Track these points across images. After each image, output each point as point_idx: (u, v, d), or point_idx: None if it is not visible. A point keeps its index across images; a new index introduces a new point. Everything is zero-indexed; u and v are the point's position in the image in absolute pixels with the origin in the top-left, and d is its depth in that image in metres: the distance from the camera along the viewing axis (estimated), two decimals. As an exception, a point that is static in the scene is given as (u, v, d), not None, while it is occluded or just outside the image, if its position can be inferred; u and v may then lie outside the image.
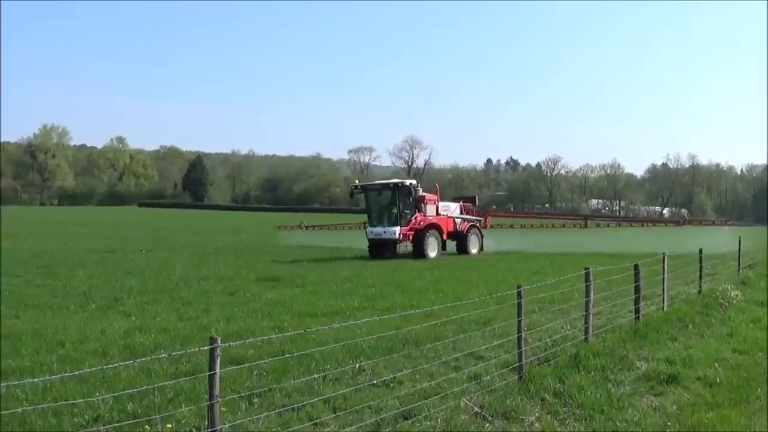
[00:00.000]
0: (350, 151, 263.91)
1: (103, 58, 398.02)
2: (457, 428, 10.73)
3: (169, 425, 10.48)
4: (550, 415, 11.68)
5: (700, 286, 25.97)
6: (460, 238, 50.55)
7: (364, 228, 52.99)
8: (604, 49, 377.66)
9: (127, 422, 10.72)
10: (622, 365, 15.03)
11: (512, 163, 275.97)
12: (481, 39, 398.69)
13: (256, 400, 12.01)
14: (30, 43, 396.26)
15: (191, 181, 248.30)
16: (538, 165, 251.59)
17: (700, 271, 26.50)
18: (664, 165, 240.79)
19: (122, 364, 13.16)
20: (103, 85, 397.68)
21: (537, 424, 11.08)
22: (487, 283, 28.10)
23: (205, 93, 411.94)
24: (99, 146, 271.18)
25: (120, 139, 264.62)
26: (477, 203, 58.40)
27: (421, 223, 47.08)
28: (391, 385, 13.02)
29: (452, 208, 51.89)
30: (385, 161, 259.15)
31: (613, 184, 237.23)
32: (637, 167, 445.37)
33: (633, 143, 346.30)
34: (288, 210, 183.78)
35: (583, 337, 16.66)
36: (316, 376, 13.39)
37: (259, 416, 11.05)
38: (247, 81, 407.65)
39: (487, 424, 11.05)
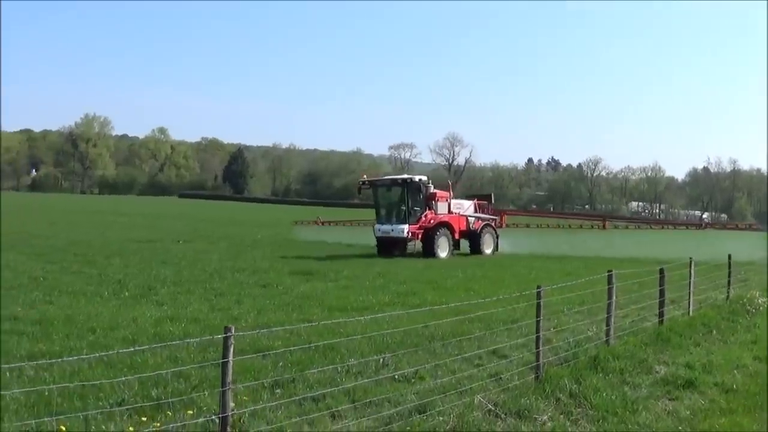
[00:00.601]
0: (391, 147, 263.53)
1: (148, 50, 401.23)
2: (469, 425, 10.92)
3: (190, 411, 10.80)
4: (563, 415, 11.84)
5: (728, 292, 25.88)
6: (473, 237, 47.98)
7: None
8: (647, 50, 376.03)
9: (149, 406, 11.07)
10: (641, 368, 15.09)
11: (553, 163, 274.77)
12: (523, 37, 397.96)
13: (278, 390, 12.29)
14: (75, 34, 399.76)
15: (232, 174, 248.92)
16: (579, 165, 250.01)
17: (729, 276, 26.44)
18: (705, 169, 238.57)
19: (144, 348, 13.45)
20: (146, 78, 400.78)
21: (549, 424, 11.22)
22: (518, 283, 27.87)
23: (247, 87, 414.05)
24: (141, 136, 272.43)
25: (162, 130, 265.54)
26: (493, 201, 55.62)
27: (432, 221, 44.70)
28: (412, 380, 13.26)
29: (466, 206, 49.28)
30: (426, 158, 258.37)
31: (653, 187, 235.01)
32: (678, 171, 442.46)
33: (674, 146, 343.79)
34: (327, 204, 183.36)
35: (604, 339, 16.75)
36: (339, 368, 13.68)
37: (277, 404, 11.38)
38: (289, 75, 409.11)
39: (499, 422, 11.22)
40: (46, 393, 11.42)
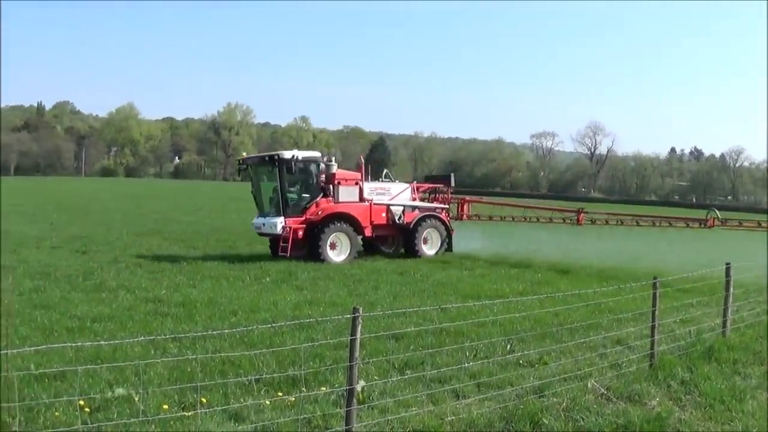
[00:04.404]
0: (533, 136, 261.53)
1: (289, 41, 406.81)
2: (580, 407, 11.18)
3: (324, 388, 11.27)
4: (672, 401, 11.95)
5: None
6: (407, 233, 34.74)
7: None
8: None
9: (285, 383, 11.78)
10: (755, 360, 14.98)
11: (696, 153, 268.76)
12: (667, 25, 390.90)
13: (407, 370, 12.80)
14: (218, 27, 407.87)
15: (373, 162, 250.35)
16: (722, 156, 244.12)
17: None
18: None
19: (281, 324, 13.95)
20: (289, 67, 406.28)
21: (657, 409, 11.29)
22: (653, 273, 27.46)
23: (389, 75, 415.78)
24: (282, 125, 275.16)
25: (304, 119, 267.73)
26: (452, 184, 39.74)
27: (321, 212, 32.39)
28: (536, 364, 13.63)
29: (394, 192, 35.44)
30: (568, 147, 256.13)
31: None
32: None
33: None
34: (468, 193, 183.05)
35: (721, 331, 16.70)
36: (467, 352, 14.02)
37: (405, 383, 11.93)
38: (431, 63, 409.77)
39: (610, 405, 11.40)
40: (189, 369, 12.04)
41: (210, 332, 14.20)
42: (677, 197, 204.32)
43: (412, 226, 34.39)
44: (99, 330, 15.81)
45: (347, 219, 32.55)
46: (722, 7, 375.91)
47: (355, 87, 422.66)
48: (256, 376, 11.90)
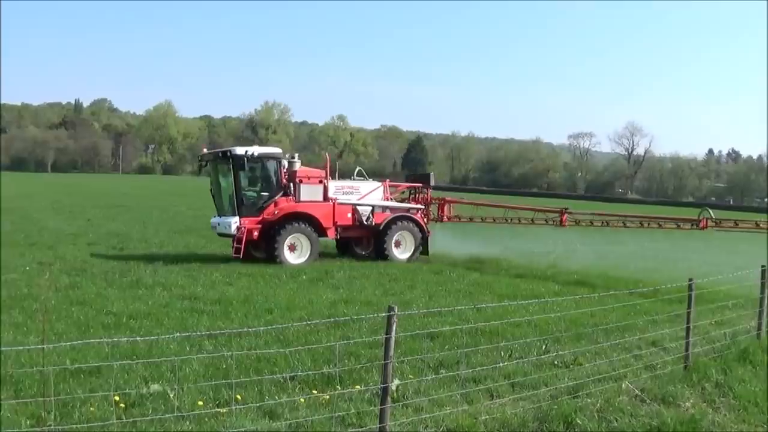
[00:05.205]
0: (570, 136, 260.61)
1: (327, 39, 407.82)
2: (614, 408, 11.15)
3: (358, 386, 11.29)
4: (706, 403, 11.89)
5: None
6: (377, 234, 32.44)
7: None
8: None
9: (320, 380, 11.83)
10: (790, 363, 14.83)
11: (733, 155, 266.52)
12: (707, 26, 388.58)
13: (442, 370, 12.81)
14: (257, 27, 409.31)
15: (410, 161, 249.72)
16: (760, 157, 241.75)
17: None
18: None
19: (316, 321, 13.98)
20: (328, 67, 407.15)
21: (691, 411, 11.24)
22: (690, 273, 27.20)
23: (426, 75, 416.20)
24: (320, 123, 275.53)
25: (341, 117, 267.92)
26: (432, 183, 37.58)
27: (279, 212, 30.30)
28: (571, 365, 13.60)
29: (364, 191, 33.01)
30: (605, 148, 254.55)
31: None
32: None
33: None
34: (505, 193, 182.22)
35: (756, 333, 16.55)
36: (502, 352, 14.01)
37: (440, 382, 11.92)
38: (468, 63, 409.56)
39: (644, 406, 11.35)
40: (224, 366, 12.09)
41: (246, 330, 14.24)
42: (714, 199, 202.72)
43: (382, 227, 32.15)
44: (135, 326, 15.96)
45: (307, 219, 30.49)
46: (762, 7, 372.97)
47: (393, 86, 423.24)
48: (291, 374, 11.96)
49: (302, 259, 29.51)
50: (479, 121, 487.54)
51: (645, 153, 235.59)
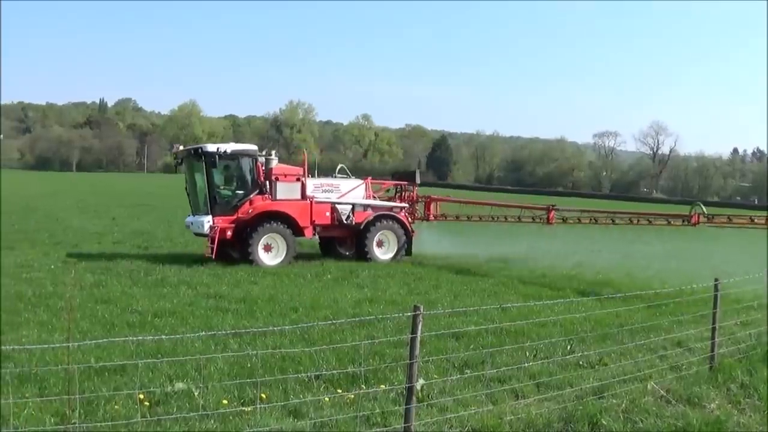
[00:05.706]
0: (595, 135, 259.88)
1: (352, 39, 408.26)
2: (639, 408, 11.10)
3: (383, 386, 11.28)
4: (731, 404, 11.80)
5: None
6: (358, 234, 31.14)
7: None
8: None
9: (345, 380, 11.87)
10: (815, 363, 14.73)
11: (758, 154, 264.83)
12: (731, 25, 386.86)
13: (467, 370, 12.79)
14: (283, 26, 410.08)
15: (435, 160, 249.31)
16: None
17: None
18: None
19: (341, 321, 13.97)
20: (353, 67, 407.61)
21: (716, 412, 11.17)
22: (714, 273, 26.94)
23: (451, 74, 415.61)
24: (344, 123, 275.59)
25: (365, 117, 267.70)
26: (418, 181, 35.83)
27: (252, 211, 29.14)
28: (596, 366, 13.57)
29: (345, 189, 31.70)
30: (630, 147, 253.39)
31: None
32: None
33: None
34: (530, 192, 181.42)
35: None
36: (527, 352, 13.98)
37: (464, 382, 11.92)
38: (493, 63, 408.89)
39: (669, 407, 11.29)
40: (249, 365, 12.12)
41: (270, 328, 14.26)
42: (739, 198, 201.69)
43: (363, 226, 30.85)
44: (160, 325, 16.03)
45: (283, 218, 29.28)
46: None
47: (418, 85, 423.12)
48: (316, 373, 12.00)
49: (278, 260, 28.52)
50: (503, 121, 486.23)
51: (670, 152, 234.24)
